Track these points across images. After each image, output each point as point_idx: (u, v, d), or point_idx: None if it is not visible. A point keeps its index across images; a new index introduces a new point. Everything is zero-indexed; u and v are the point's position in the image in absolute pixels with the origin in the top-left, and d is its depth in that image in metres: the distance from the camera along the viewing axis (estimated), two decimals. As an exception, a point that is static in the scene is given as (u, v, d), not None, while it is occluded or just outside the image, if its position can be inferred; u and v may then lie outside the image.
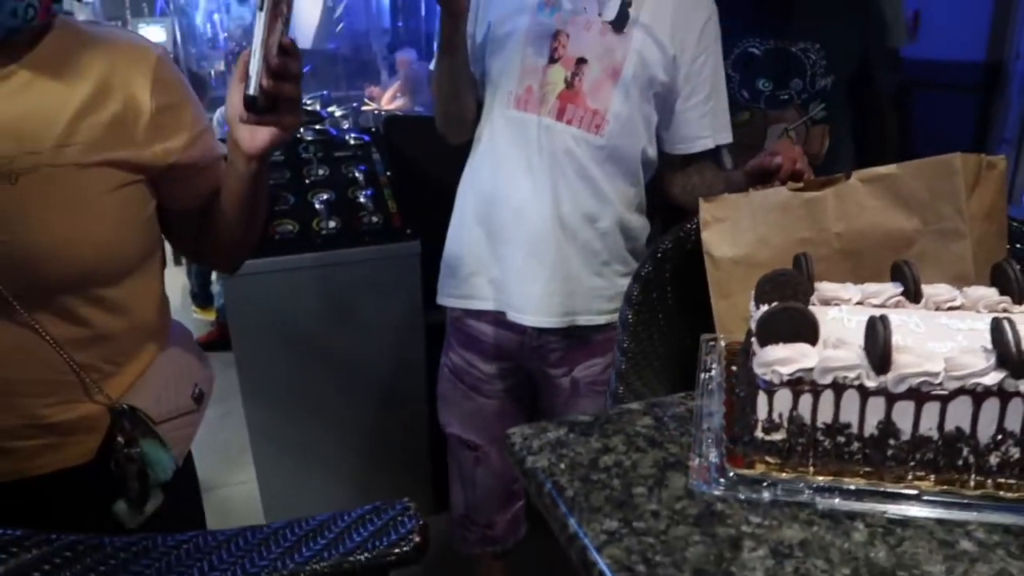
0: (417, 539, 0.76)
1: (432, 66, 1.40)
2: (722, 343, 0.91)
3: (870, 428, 0.66)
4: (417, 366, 2.12)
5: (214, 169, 1.05)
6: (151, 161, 0.97)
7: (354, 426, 2.14)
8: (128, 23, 7.26)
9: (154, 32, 6.80)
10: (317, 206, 2.06)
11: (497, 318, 1.43)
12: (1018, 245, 1.20)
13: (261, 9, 0.80)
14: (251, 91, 0.81)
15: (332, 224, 2.06)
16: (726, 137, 1.40)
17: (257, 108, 0.83)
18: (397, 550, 0.75)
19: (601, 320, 1.40)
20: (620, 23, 1.28)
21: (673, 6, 1.30)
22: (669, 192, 1.45)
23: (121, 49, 0.97)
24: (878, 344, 0.63)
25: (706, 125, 1.38)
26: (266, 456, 2.07)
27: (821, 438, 0.67)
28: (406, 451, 2.19)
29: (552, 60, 1.30)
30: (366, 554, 0.75)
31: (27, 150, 0.88)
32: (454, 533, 1.71)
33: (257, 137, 0.89)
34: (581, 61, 1.29)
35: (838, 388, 0.65)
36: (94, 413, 1.01)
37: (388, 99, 6.38)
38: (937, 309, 0.78)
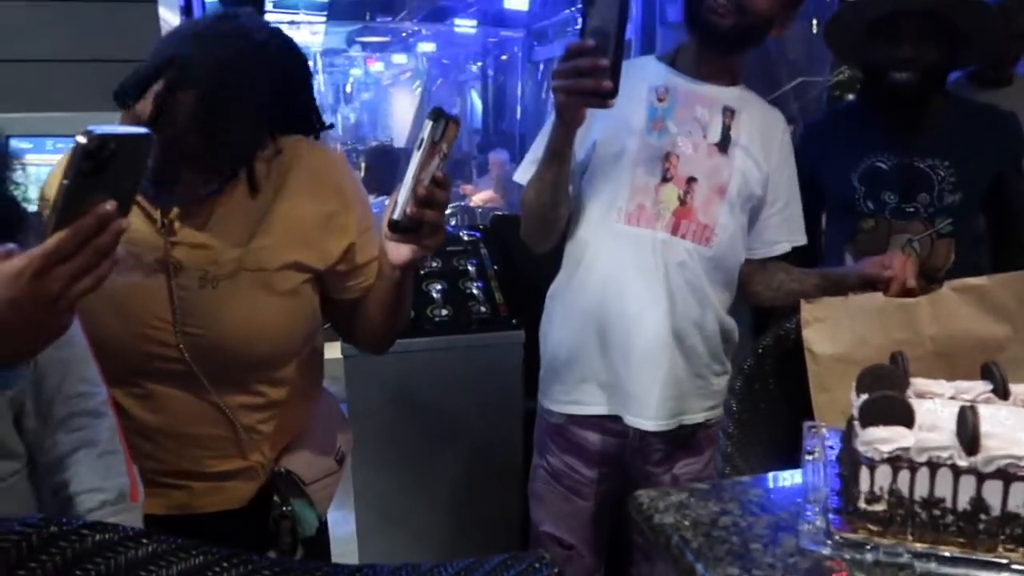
0: (555, 582, 0.88)
1: (523, 177, 1.44)
2: (824, 430, 1.01)
3: (963, 503, 0.75)
4: (516, 447, 2.24)
5: (369, 269, 1.18)
6: (318, 261, 1.13)
7: (454, 502, 2.25)
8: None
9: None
10: (432, 295, 2.26)
11: (602, 424, 1.49)
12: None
13: (418, 149, 0.95)
14: (395, 216, 0.95)
15: (444, 312, 2.25)
16: (801, 239, 1.52)
17: (399, 229, 0.97)
18: (538, 590, 0.87)
19: (700, 418, 1.48)
20: (724, 145, 1.43)
21: (759, 126, 1.46)
22: (750, 290, 1.54)
23: (307, 159, 1.13)
24: (968, 428, 0.74)
25: (785, 230, 1.51)
26: (369, 525, 2.21)
27: (918, 510, 0.77)
28: (501, 531, 2.29)
29: (664, 179, 1.40)
30: (512, 591, 0.88)
31: (227, 257, 1.07)
32: None
33: (400, 251, 1.02)
34: (692, 180, 1.41)
35: (933, 466, 0.76)
36: (251, 467, 1.18)
37: (480, 197, 6.69)
38: (1024, 406, 0.88)
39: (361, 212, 1.17)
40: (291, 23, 7.94)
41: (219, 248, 1.06)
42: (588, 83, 1.14)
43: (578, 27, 1.17)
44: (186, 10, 2.17)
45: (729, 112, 1.44)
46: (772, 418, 1.28)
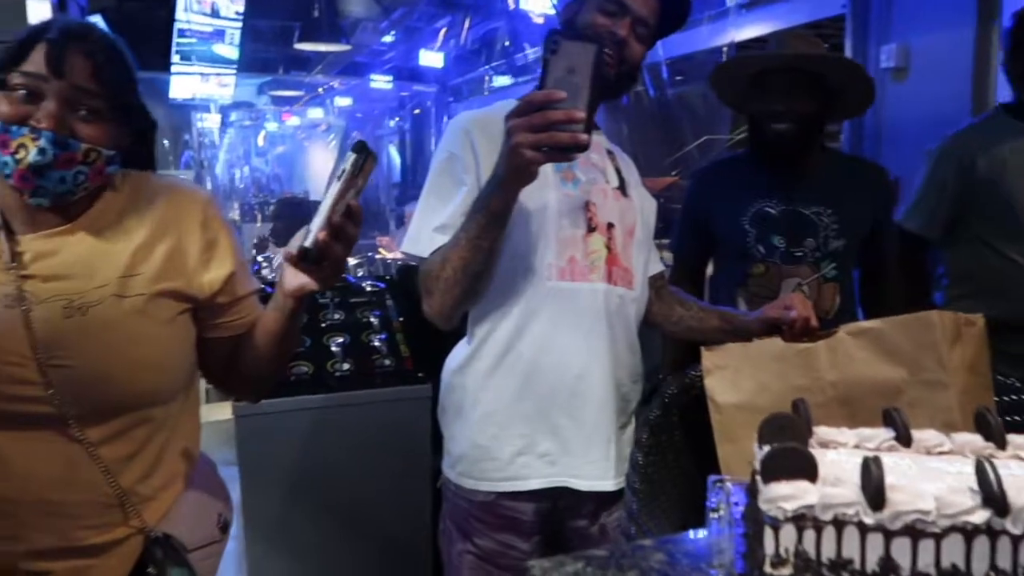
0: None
1: (427, 248, 1.29)
2: (729, 484, 0.95)
3: (871, 564, 0.70)
4: (423, 507, 2.12)
5: (249, 302, 1.15)
6: (199, 290, 1.09)
7: (356, 568, 2.11)
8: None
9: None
10: (332, 348, 2.15)
11: (537, 493, 1.35)
12: (1004, 398, 1.28)
13: (337, 179, 0.93)
14: (307, 243, 0.93)
15: (346, 366, 2.13)
16: (660, 265, 1.54)
17: (308, 259, 0.95)
18: None
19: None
20: (623, 187, 1.41)
21: (626, 162, 1.48)
22: (649, 320, 1.50)
23: (176, 194, 1.11)
24: (872, 482, 0.69)
25: (655, 252, 1.52)
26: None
27: (827, 573, 0.71)
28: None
29: (590, 229, 1.34)
30: None
31: (96, 284, 1.00)
32: None
33: (297, 280, 1.00)
34: (611, 226, 1.36)
35: (839, 524, 0.70)
36: (129, 537, 1.05)
37: (395, 250, 6.62)
38: (927, 453, 0.84)
39: (237, 245, 1.16)
40: (200, 75, 7.76)
41: (82, 277, 1.00)
42: (565, 137, 1.03)
43: (537, 76, 1.06)
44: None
45: (611, 155, 1.44)
46: (680, 471, 1.23)
